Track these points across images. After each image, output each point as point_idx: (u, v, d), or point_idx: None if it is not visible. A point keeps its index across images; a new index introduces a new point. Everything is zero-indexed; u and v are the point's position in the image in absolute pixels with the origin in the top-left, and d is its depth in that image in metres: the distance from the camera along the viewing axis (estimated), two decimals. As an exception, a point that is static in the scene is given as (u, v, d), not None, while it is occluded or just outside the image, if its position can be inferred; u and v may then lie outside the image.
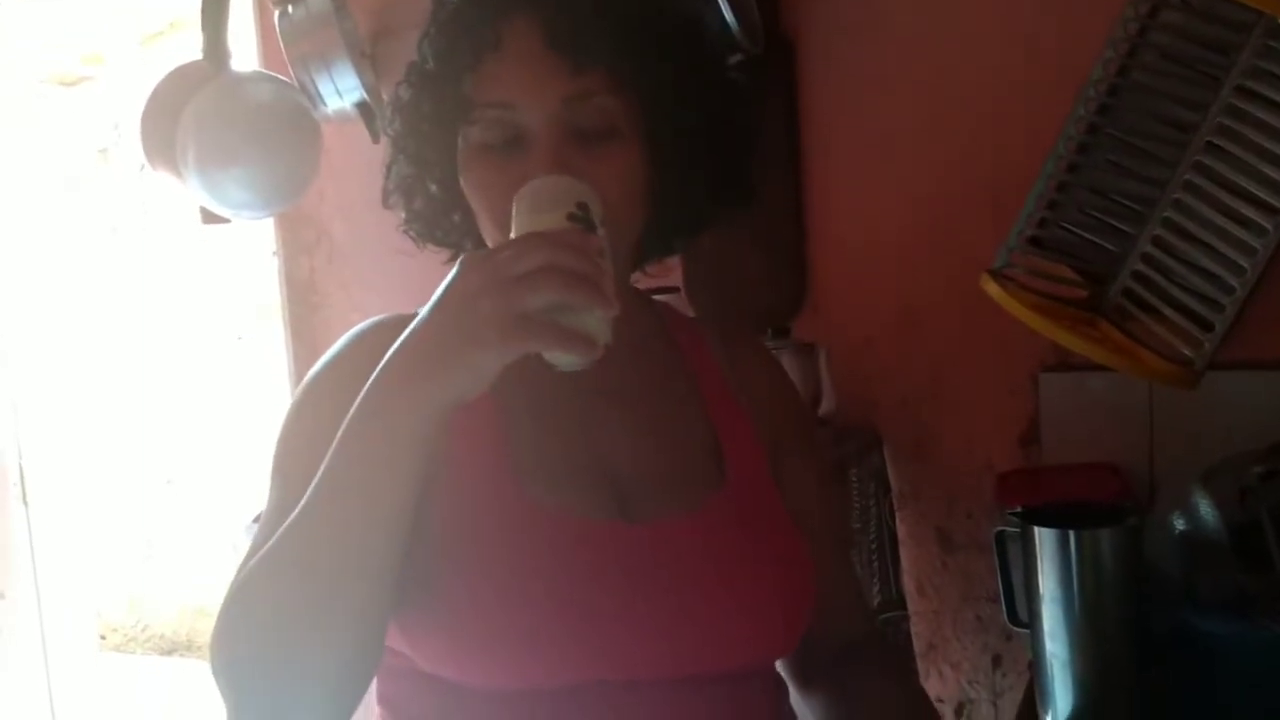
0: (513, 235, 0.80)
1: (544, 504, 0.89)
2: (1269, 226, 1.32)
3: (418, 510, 0.78)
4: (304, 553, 0.78)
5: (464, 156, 0.92)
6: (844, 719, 1.00)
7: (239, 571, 0.83)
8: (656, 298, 1.10)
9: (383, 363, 0.76)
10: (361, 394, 0.76)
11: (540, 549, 0.87)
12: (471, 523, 0.87)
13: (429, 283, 1.00)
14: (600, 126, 0.88)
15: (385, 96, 1.76)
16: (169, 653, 4.31)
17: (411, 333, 0.76)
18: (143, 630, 4.44)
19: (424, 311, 0.76)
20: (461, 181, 0.92)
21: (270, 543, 0.80)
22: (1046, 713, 1.20)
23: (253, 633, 0.78)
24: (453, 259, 1.01)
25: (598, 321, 0.73)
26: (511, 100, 0.88)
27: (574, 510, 0.89)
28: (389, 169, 0.99)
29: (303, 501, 0.78)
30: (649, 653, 0.87)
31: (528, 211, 0.80)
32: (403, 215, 1.00)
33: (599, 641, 0.85)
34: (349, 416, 0.77)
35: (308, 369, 0.95)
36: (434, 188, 0.97)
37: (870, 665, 1.04)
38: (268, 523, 0.87)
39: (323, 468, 0.77)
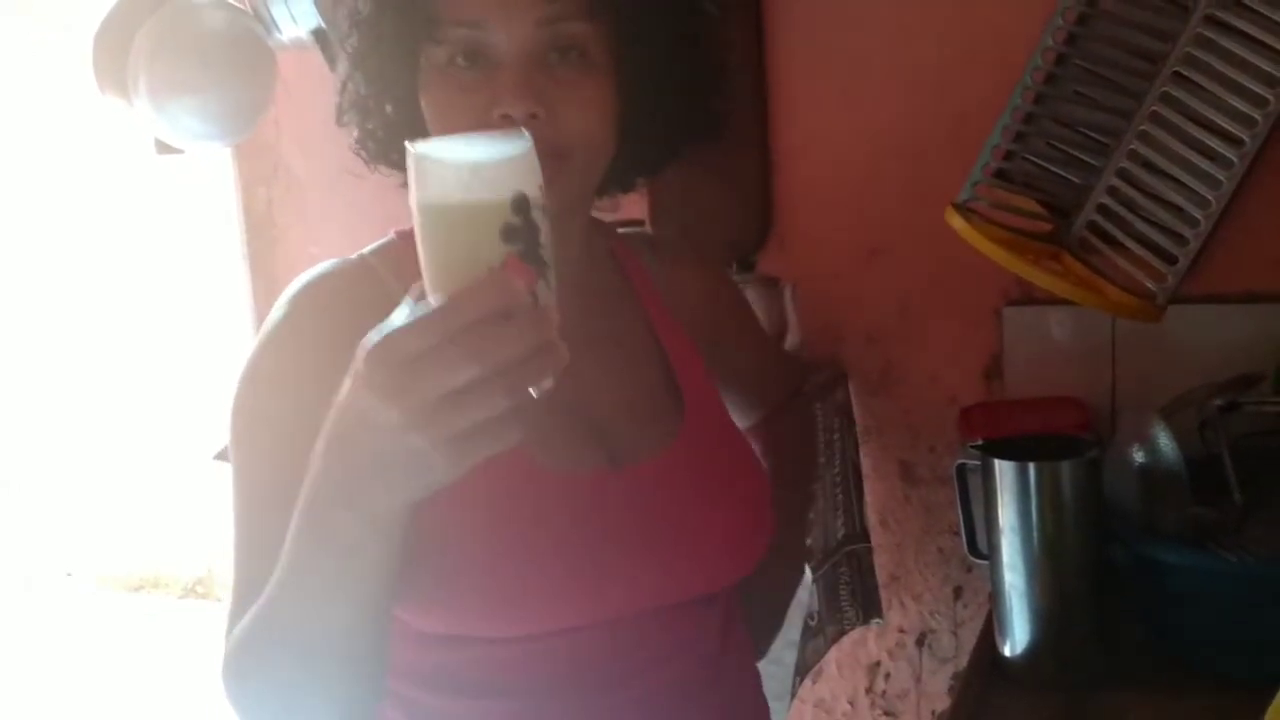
0: (420, 247, 0.64)
1: (534, 462, 0.89)
2: (1234, 159, 1.31)
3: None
4: (279, 651, 0.77)
5: (426, 76, 0.89)
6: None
7: (231, 616, 0.83)
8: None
9: (316, 467, 0.67)
10: (302, 500, 0.69)
11: (525, 509, 0.88)
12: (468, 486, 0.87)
13: (386, 212, 0.98)
14: (572, 53, 0.86)
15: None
16: (137, 589, 4.31)
17: (340, 446, 0.65)
18: (110, 567, 4.43)
19: (341, 419, 0.64)
20: (422, 102, 0.90)
21: (249, 622, 0.79)
22: (1005, 643, 1.22)
23: (251, 706, 0.81)
24: (404, 185, 0.99)
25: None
26: (482, 19, 0.85)
27: (562, 466, 0.90)
28: (343, 85, 0.96)
29: (269, 592, 0.75)
30: (631, 592, 0.89)
31: (450, 227, 0.63)
32: (355, 135, 0.97)
33: (582, 591, 0.87)
34: (293, 524, 0.70)
35: (268, 303, 0.93)
36: (390, 108, 0.94)
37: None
38: (238, 554, 0.86)
39: (282, 568, 0.73)
